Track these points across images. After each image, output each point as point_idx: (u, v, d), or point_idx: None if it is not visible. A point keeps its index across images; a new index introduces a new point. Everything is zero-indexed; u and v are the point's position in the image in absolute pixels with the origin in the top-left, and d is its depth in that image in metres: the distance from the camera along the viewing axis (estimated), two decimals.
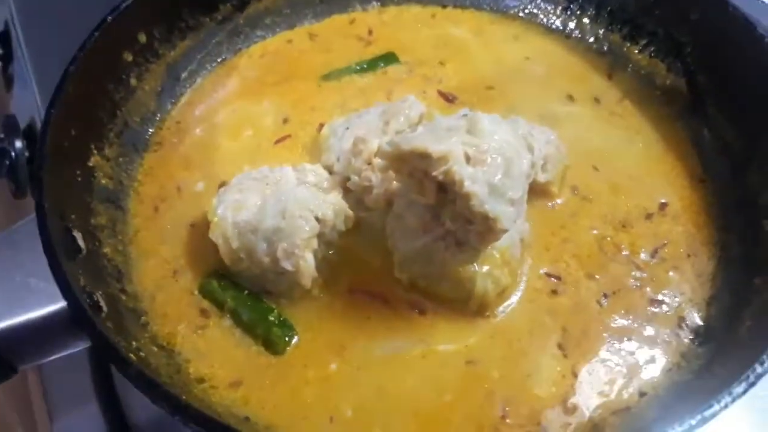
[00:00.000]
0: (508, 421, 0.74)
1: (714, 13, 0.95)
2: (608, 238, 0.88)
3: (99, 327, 0.67)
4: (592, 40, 1.11)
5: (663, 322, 0.81)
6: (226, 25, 1.09)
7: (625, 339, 0.80)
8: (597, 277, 0.84)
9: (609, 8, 1.10)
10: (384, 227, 0.83)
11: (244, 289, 0.82)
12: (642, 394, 0.76)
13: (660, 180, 0.94)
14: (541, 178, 0.88)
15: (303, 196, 0.80)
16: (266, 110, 1.02)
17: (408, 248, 0.79)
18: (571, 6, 1.13)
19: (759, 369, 0.64)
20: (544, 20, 1.14)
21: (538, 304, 0.82)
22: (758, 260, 0.82)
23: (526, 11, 1.15)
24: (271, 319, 0.80)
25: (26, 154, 1.14)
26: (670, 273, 0.85)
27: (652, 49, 1.05)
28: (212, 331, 0.80)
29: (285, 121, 1.01)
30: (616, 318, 0.81)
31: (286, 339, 0.79)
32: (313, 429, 0.74)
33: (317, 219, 0.79)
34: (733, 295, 0.81)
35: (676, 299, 0.83)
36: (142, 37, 0.98)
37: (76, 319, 0.68)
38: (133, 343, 0.74)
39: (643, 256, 0.86)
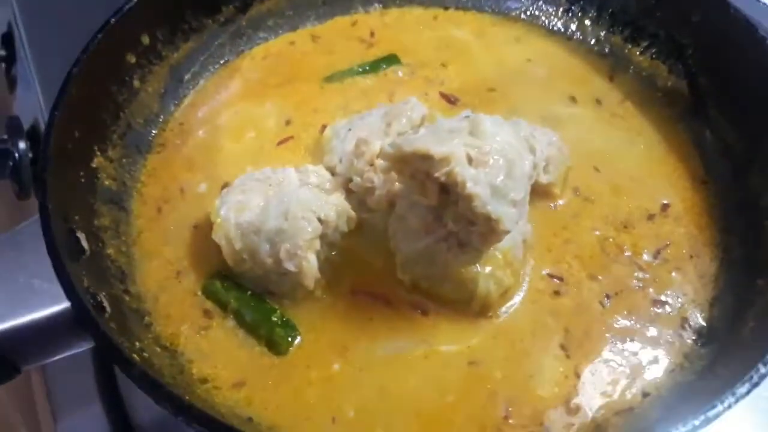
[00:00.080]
0: (510, 421, 0.74)
1: (715, 15, 0.96)
2: (610, 239, 0.88)
3: (103, 328, 0.67)
4: (593, 42, 1.11)
5: (666, 323, 0.81)
6: (229, 26, 1.10)
7: (628, 340, 0.80)
8: (599, 278, 0.84)
9: (610, 10, 1.10)
10: (386, 228, 0.83)
11: (247, 289, 0.82)
12: (645, 395, 0.76)
13: (662, 181, 0.94)
14: (543, 179, 0.88)
15: (306, 197, 0.80)
16: (269, 112, 1.02)
17: (410, 249, 0.79)
18: (573, 8, 1.13)
19: (762, 369, 0.64)
20: (546, 22, 1.14)
21: (541, 304, 0.82)
22: (760, 262, 0.82)
23: (528, 13, 1.15)
24: (274, 319, 0.80)
25: (30, 155, 1.15)
26: (673, 274, 0.85)
27: (654, 51, 1.06)
28: (215, 332, 0.80)
29: (287, 122, 1.01)
30: (619, 319, 0.81)
31: (289, 339, 0.79)
32: (316, 429, 0.74)
33: (320, 220, 0.79)
34: (736, 296, 0.81)
35: (679, 300, 0.83)
36: (145, 39, 0.98)
37: (80, 319, 0.68)
38: (137, 343, 0.74)
39: (645, 257, 0.86)
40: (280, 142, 0.98)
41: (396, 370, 0.77)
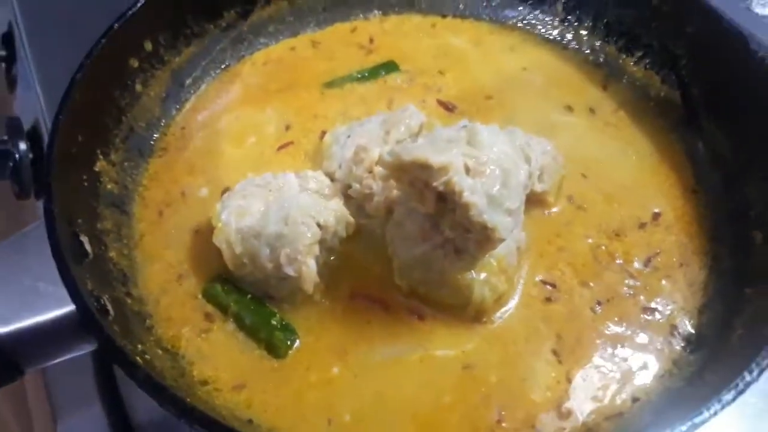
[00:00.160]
0: (503, 424, 0.76)
1: (709, 27, 0.97)
2: (602, 247, 0.90)
3: (107, 331, 0.69)
4: (588, 51, 1.13)
5: (655, 330, 0.83)
6: (230, 32, 1.11)
7: (619, 346, 0.81)
8: (591, 284, 0.86)
9: (606, 20, 1.12)
10: (384, 234, 0.84)
11: (247, 293, 0.83)
12: (635, 400, 0.78)
13: (653, 190, 0.96)
14: (538, 187, 0.90)
15: (305, 202, 0.81)
16: (269, 117, 1.04)
17: (408, 255, 0.81)
18: (569, 17, 1.15)
19: (748, 377, 0.66)
20: (542, 31, 1.16)
21: (534, 310, 0.84)
22: (749, 271, 0.84)
23: (525, 22, 1.17)
24: (274, 323, 0.81)
25: (30, 155, 1.16)
26: (663, 282, 0.87)
27: (648, 61, 1.07)
28: (216, 335, 0.82)
29: (287, 128, 1.02)
30: (610, 325, 0.83)
31: (288, 343, 0.81)
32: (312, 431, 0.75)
33: (319, 225, 0.80)
34: (725, 304, 0.83)
35: (669, 307, 0.85)
36: (148, 44, 0.99)
37: (84, 322, 0.69)
38: (139, 346, 0.76)
39: (636, 264, 0.88)
40: (280, 148, 0.99)
41: (393, 374, 0.79)
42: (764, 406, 0.86)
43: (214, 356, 0.80)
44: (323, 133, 0.99)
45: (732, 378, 0.66)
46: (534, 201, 0.90)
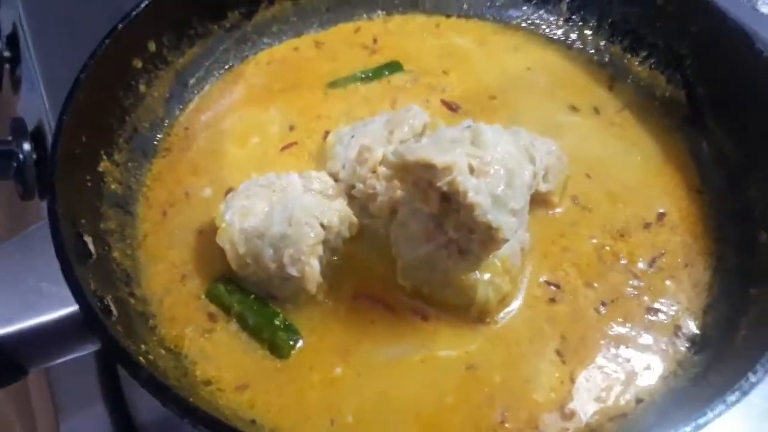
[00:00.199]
0: (507, 425, 0.75)
1: (714, 27, 0.97)
2: (607, 247, 0.89)
3: (110, 331, 0.69)
4: (593, 51, 1.13)
5: (660, 331, 0.83)
6: (234, 32, 1.11)
7: (623, 346, 0.81)
8: (595, 285, 0.86)
9: (610, 20, 1.11)
10: (388, 234, 0.84)
11: (251, 293, 0.83)
12: (639, 401, 0.77)
13: (658, 190, 0.96)
14: (543, 188, 0.90)
15: (309, 203, 0.81)
16: (273, 117, 1.04)
17: (411, 255, 0.81)
18: (573, 17, 1.15)
19: (752, 378, 0.65)
20: (546, 31, 1.16)
21: (538, 311, 0.84)
22: (754, 271, 0.84)
23: (529, 22, 1.17)
24: (277, 323, 0.82)
25: (34, 156, 1.16)
26: (667, 282, 0.86)
27: (653, 61, 1.07)
28: (219, 335, 0.82)
29: (291, 128, 1.02)
30: (614, 326, 0.83)
31: (291, 343, 0.81)
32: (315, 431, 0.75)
33: (322, 226, 0.80)
34: (729, 304, 0.83)
35: (673, 308, 0.84)
36: (152, 45, 1.00)
37: (88, 322, 0.70)
38: (142, 346, 0.76)
39: (640, 265, 0.88)
40: (284, 148, 0.99)
41: (396, 375, 0.79)
42: None
43: (217, 356, 0.80)
44: (327, 133, 0.99)
45: (736, 379, 0.66)
46: (538, 201, 0.90)
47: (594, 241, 0.90)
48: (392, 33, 1.16)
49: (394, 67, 1.10)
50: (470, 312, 0.82)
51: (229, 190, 0.90)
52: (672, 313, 0.84)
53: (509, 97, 1.06)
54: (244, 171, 0.95)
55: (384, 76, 1.09)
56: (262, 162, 0.98)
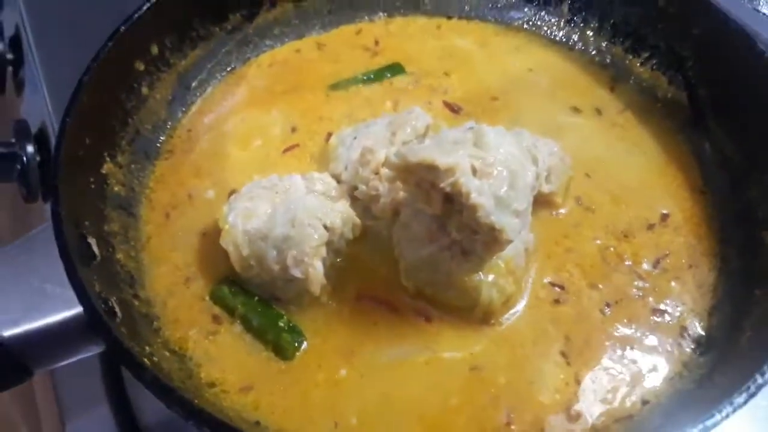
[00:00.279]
0: (512, 427, 0.75)
1: (715, 28, 0.97)
2: (611, 248, 0.89)
3: (115, 333, 0.69)
4: (594, 52, 1.13)
5: (665, 332, 0.82)
6: (236, 34, 1.11)
7: (628, 348, 0.81)
8: (600, 286, 0.86)
9: (612, 21, 1.12)
10: (391, 236, 0.84)
11: (254, 295, 0.83)
12: (644, 403, 0.77)
13: (661, 191, 0.96)
14: (545, 189, 0.90)
15: (312, 204, 0.81)
16: (275, 119, 1.04)
17: (414, 257, 0.81)
18: (575, 18, 1.15)
19: (760, 380, 0.65)
20: (548, 32, 1.16)
21: (542, 312, 0.84)
22: (758, 272, 0.83)
23: (530, 23, 1.17)
24: (281, 325, 0.81)
25: (37, 158, 1.16)
26: (672, 283, 0.86)
27: (654, 62, 1.07)
28: (223, 337, 0.82)
29: (293, 130, 1.02)
30: (619, 327, 0.83)
31: (296, 345, 0.81)
32: None
33: (326, 227, 0.80)
34: (734, 305, 0.83)
35: (678, 309, 0.84)
36: (154, 47, 1.00)
37: (92, 324, 0.70)
38: (146, 348, 0.76)
39: (645, 266, 0.88)
40: (286, 150, 0.99)
41: (399, 376, 0.79)
42: None
43: (222, 358, 0.80)
44: (329, 135, 0.99)
45: (743, 380, 0.66)
46: (541, 202, 0.90)
47: (598, 242, 0.90)
48: (394, 35, 1.16)
49: (395, 68, 1.10)
50: (474, 313, 0.82)
51: (232, 192, 0.90)
52: (677, 314, 0.84)
53: (511, 99, 1.06)
54: (246, 173, 0.95)
55: (386, 78, 1.09)
56: (265, 164, 0.98)
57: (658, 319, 0.83)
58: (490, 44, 1.15)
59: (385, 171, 0.85)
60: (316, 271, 0.80)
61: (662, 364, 0.80)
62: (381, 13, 1.18)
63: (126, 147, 0.95)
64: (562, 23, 1.16)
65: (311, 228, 0.79)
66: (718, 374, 0.75)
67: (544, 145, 0.91)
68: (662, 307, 0.84)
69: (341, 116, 1.03)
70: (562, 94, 1.07)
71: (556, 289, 0.85)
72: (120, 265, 0.84)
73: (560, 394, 0.77)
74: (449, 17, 1.18)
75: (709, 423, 0.62)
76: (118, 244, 0.86)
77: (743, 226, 0.89)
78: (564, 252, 0.89)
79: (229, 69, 1.11)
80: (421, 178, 0.75)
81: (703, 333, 0.82)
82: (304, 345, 0.81)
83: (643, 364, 0.80)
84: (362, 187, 0.87)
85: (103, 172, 0.90)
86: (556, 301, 0.84)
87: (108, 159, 0.91)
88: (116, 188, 0.91)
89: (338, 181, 0.89)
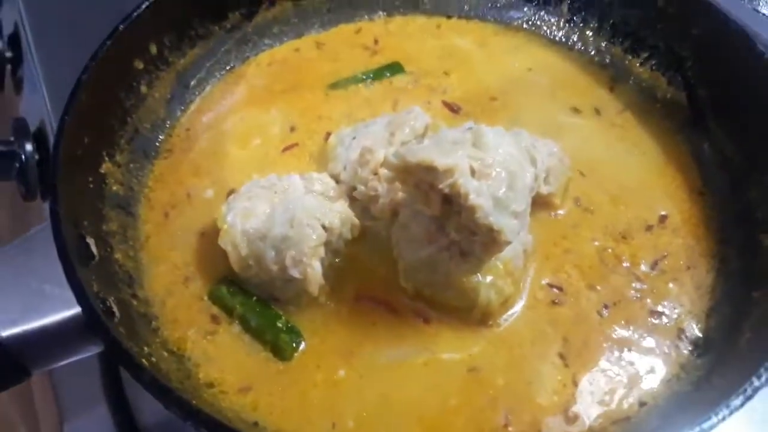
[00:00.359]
0: (510, 428, 0.75)
1: (715, 29, 0.97)
2: (609, 250, 0.89)
3: (113, 333, 0.69)
4: (594, 52, 1.13)
5: (663, 333, 0.82)
6: (235, 33, 1.11)
7: (626, 349, 0.81)
8: (598, 287, 0.86)
9: (611, 21, 1.11)
10: (389, 236, 0.84)
11: (253, 295, 0.83)
12: (642, 404, 0.77)
13: (660, 192, 0.96)
14: (544, 189, 0.89)
15: (310, 204, 0.81)
16: (274, 118, 1.04)
17: (413, 257, 0.81)
18: (574, 18, 1.15)
19: (756, 383, 0.65)
20: (547, 32, 1.16)
21: (540, 314, 0.84)
22: (756, 273, 0.83)
23: (530, 23, 1.17)
24: (279, 325, 0.81)
25: (36, 157, 1.16)
26: (670, 285, 0.86)
27: (654, 62, 1.07)
28: (222, 337, 0.82)
29: (292, 129, 1.02)
30: (617, 329, 0.83)
31: (294, 345, 0.81)
32: None
33: (324, 227, 0.80)
34: (732, 307, 0.83)
35: (676, 311, 0.84)
36: (153, 46, 0.99)
37: (91, 324, 0.70)
38: (145, 348, 0.76)
39: (643, 267, 0.88)
40: (285, 149, 0.99)
41: (398, 377, 0.79)
42: None
43: (220, 358, 0.80)
44: (328, 134, 0.98)
45: (740, 383, 0.66)
46: (540, 203, 0.90)
47: (596, 243, 0.90)
48: (393, 34, 1.16)
49: (395, 68, 1.10)
50: (472, 314, 0.82)
51: (231, 192, 0.90)
52: (675, 315, 0.84)
53: (510, 99, 1.06)
54: (245, 172, 0.95)
55: (385, 78, 1.09)
56: (264, 163, 0.98)
57: (656, 321, 0.83)
58: (489, 44, 1.15)
59: (383, 171, 0.85)
60: (315, 271, 0.80)
61: (660, 366, 0.80)
62: (380, 12, 1.18)
63: (125, 146, 0.95)
64: (561, 23, 1.16)
65: (310, 228, 0.79)
66: (715, 376, 0.76)
67: (543, 146, 0.91)
68: (660, 308, 0.84)
69: (340, 115, 1.03)
70: (561, 94, 1.07)
71: (554, 290, 0.85)
72: (118, 264, 0.84)
73: (558, 396, 0.78)
74: (449, 17, 1.18)
75: (705, 425, 0.63)
76: (116, 244, 0.86)
77: (742, 227, 0.89)
78: (562, 253, 0.89)
79: (228, 68, 1.10)
80: (420, 179, 0.75)
81: (700, 335, 0.82)
82: (303, 345, 0.81)
83: (640, 366, 0.80)
84: (361, 188, 0.87)
85: (102, 171, 0.89)
86: (554, 303, 0.85)
87: (107, 158, 0.91)
88: (115, 187, 0.91)
89: (337, 181, 0.89)
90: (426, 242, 0.79)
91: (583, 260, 0.88)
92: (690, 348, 0.81)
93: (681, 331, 0.83)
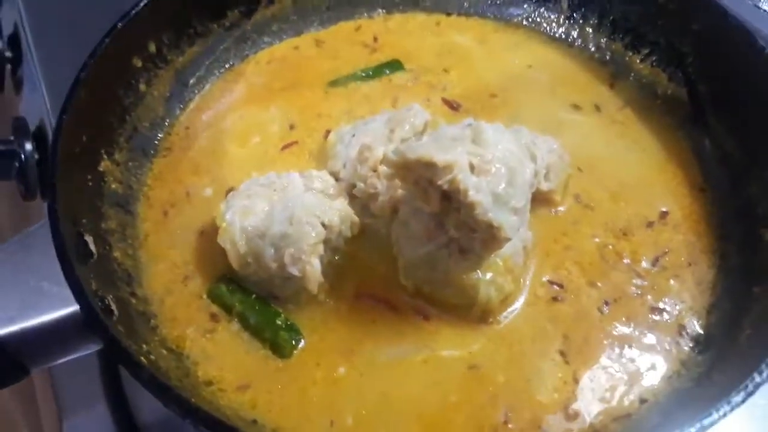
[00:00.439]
0: (510, 426, 0.75)
1: (715, 25, 0.97)
2: (609, 246, 0.89)
3: (111, 331, 0.69)
4: (594, 49, 1.12)
5: (663, 330, 0.82)
6: (234, 31, 1.11)
7: (626, 346, 0.81)
8: (598, 284, 0.86)
9: (611, 18, 1.11)
10: (389, 234, 0.84)
11: (252, 293, 0.83)
12: (642, 401, 0.77)
13: (661, 188, 0.95)
14: (544, 186, 0.89)
15: (310, 202, 0.81)
16: (273, 116, 1.03)
17: (412, 255, 0.81)
18: (574, 15, 1.14)
19: (758, 378, 0.65)
20: (547, 29, 1.15)
21: (540, 311, 0.83)
22: (757, 269, 0.83)
23: (530, 20, 1.16)
24: (278, 323, 0.81)
25: (36, 156, 1.16)
26: (671, 281, 0.86)
27: (654, 58, 1.07)
28: (221, 335, 0.82)
29: (291, 127, 1.02)
30: (617, 325, 0.82)
31: (293, 343, 0.80)
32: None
33: (324, 225, 0.80)
34: (733, 303, 0.83)
35: (677, 307, 0.84)
36: (152, 44, 0.99)
37: (89, 322, 0.69)
38: (143, 346, 0.76)
39: (644, 264, 0.87)
40: (285, 147, 0.99)
41: (398, 374, 0.78)
42: None
43: (219, 356, 0.80)
44: (327, 132, 0.98)
45: (741, 379, 0.66)
46: (540, 200, 0.90)
47: (596, 239, 0.90)
48: (393, 31, 1.15)
49: (394, 65, 1.10)
50: (472, 312, 0.81)
51: (230, 190, 0.89)
52: (676, 312, 0.84)
53: (510, 96, 1.06)
54: (244, 170, 0.95)
55: (385, 75, 1.09)
56: (263, 161, 0.97)
57: (657, 318, 0.83)
58: (489, 41, 1.14)
59: (383, 168, 0.85)
60: (314, 269, 0.79)
61: (660, 362, 0.80)
62: (380, 10, 1.18)
63: (123, 144, 0.94)
64: (561, 20, 1.15)
65: (309, 226, 0.79)
66: (716, 373, 0.75)
67: (543, 143, 0.91)
68: (661, 305, 0.84)
69: (340, 113, 1.03)
70: (561, 90, 1.07)
71: (555, 287, 0.85)
72: (117, 263, 0.84)
73: (558, 393, 0.77)
74: (448, 14, 1.18)
75: (706, 422, 0.62)
76: (115, 242, 0.86)
77: (743, 223, 0.89)
78: (563, 250, 0.88)
79: (227, 66, 1.10)
80: (420, 176, 0.75)
81: (701, 331, 0.82)
82: (302, 343, 0.81)
83: (641, 363, 0.80)
84: (360, 185, 0.87)
85: (101, 169, 0.89)
86: (555, 300, 0.84)
87: (105, 156, 0.90)
88: (114, 186, 0.90)
89: (336, 179, 0.89)
90: (425, 239, 0.79)
91: (584, 257, 0.88)
92: (691, 344, 0.81)
93: (682, 327, 0.82)
